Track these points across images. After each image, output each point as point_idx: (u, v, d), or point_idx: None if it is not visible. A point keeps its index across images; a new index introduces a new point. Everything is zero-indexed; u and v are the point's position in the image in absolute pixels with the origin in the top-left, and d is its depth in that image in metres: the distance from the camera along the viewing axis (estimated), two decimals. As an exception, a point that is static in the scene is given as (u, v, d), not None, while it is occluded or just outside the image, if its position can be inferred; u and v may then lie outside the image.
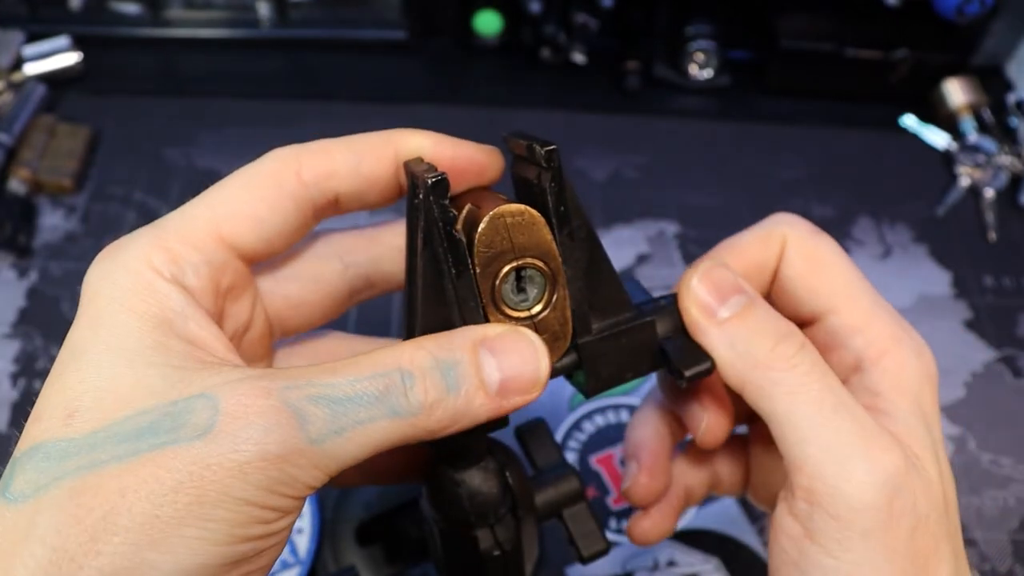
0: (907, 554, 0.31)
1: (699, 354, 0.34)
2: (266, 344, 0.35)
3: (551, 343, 0.32)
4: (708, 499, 0.61)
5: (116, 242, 0.30)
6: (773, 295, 0.38)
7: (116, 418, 0.26)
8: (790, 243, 0.37)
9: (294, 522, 0.28)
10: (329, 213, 0.34)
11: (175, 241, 0.30)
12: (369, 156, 0.33)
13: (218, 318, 0.32)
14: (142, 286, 0.29)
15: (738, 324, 0.33)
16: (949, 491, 0.33)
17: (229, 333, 0.33)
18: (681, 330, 0.35)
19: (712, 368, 0.34)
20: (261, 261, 0.34)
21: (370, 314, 0.68)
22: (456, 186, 0.33)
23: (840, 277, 0.36)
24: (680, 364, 0.34)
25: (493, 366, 0.29)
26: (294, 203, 0.32)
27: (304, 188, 0.32)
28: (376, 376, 0.27)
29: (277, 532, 0.27)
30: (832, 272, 0.36)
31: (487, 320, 0.31)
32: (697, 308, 0.34)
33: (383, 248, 0.37)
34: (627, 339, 0.33)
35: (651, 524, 0.41)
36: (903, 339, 0.35)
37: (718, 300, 0.34)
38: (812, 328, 0.36)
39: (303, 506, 0.28)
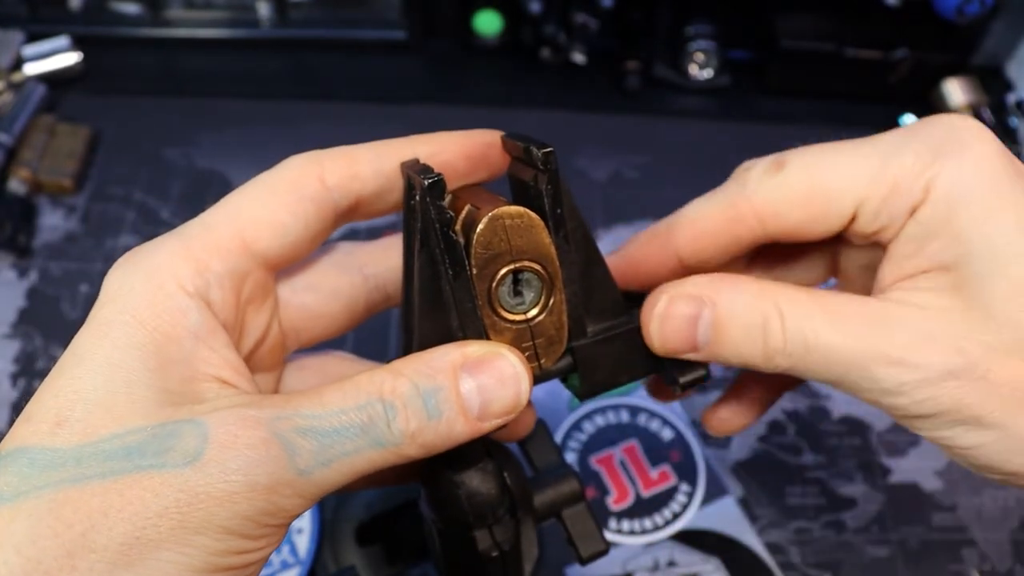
0: (1002, 393, 0.29)
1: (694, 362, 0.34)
2: (278, 355, 0.35)
3: (546, 347, 0.32)
4: (708, 499, 0.61)
5: (141, 247, 0.30)
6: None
7: (103, 434, 0.26)
8: (758, 213, 0.34)
9: (269, 555, 0.28)
10: (350, 218, 0.34)
11: (200, 250, 0.30)
12: (392, 159, 0.33)
13: (238, 331, 0.32)
14: (160, 299, 0.28)
15: (722, 349, 0.32)
16: None
17: (248, 346, 0.33)
18: None
19: (707, 375, 0.34)
20: (283, 268, 0.34)
21: (369, 325, 0.68)
22: (476, 174, 0.34)
23: (831, 184, 0.32)
24: (675, 370, 0.34)
25: (473, 390, 0.29)
26: (316, 207, 0.32)
27: (327, 192, 0.32)
28: (360, 407, 0.27)
29: (252, 563, 0.27)
30: (822, 189, 0.32)
31: (483, 323, 0.31)
32: (681, 352, 0.33)
33: (399, 259, 0.37)
34: (622, 342, 0.33)
35: (730, 414, 0.40)
36: (937, 157, 0.30)
37: (688, 340, 0.32)
38: (848, 247, 0.34)
39: (281, 539, 0.28)
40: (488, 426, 0.29)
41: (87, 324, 0.28)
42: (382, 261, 0.37)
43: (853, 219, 0.32)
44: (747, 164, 0.35)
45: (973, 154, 0.30)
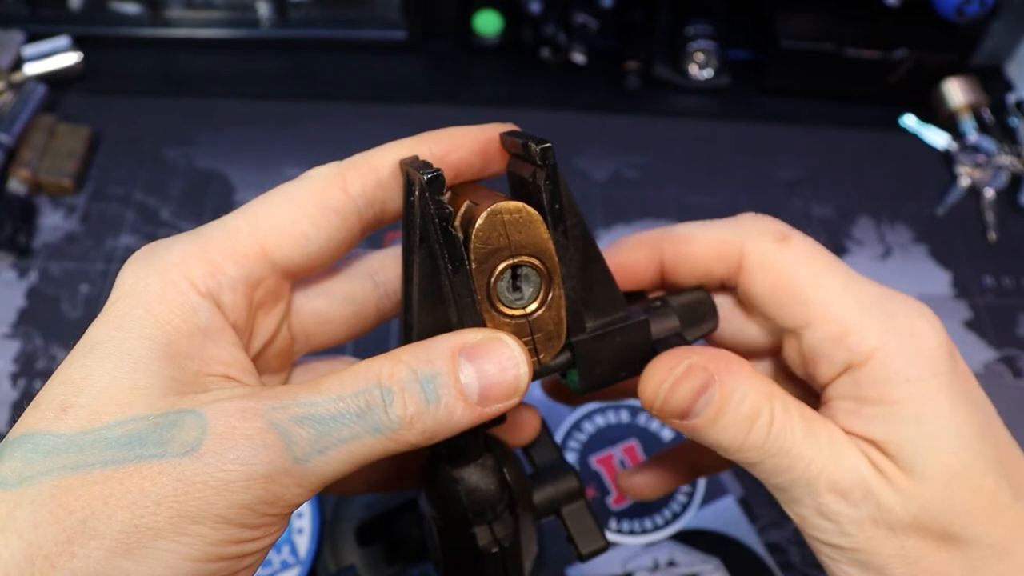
0: (905, 556, 0.32)
1: None
2: (286, 358, 0.35)
3: (545, 342, 0.32)
4: (708, 499, 0.61)
5: (157, 243, 0.31)
6: (741, 306, 0.37)
7: (106, 421, 0.26)
8: (748, 259, 0.35)
9: (269, 547, 0.28)
10: (376, 225, 0.34)
11: (217, 253, 0.30)
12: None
13: (248, 333, 0.32)
14: (173, 295, 0.29)
15: (708, 428, 0.33)
16: (969, 478, 0.31)
17: (256, 347, 0.33)
18: (675, 330, 0.35)
19: None
20: (304, 276, 0.34)
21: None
22: (490, 169, 0.34)
23: (808, 288, 0.34)
24: None
25: (472, 374, 0.28)
26: (340, 218, 0.32)
27: (351, 202, 0.32)
28: (357, 394, 0.27)
29: (251, 554, 0.27)
30: (798, 285, 0.34)
31: (482, 318, 0.31)
32: (668, 419, 0.34)
33: None
34: (621, 338, 0.33)
35: (646, 481, 0.42)
36: (889, 329, 0.33)
37: (686, 409, 0.33)
38: (793, 338, 0.35)
39: (281, 531, 0.28)
40: (489, 412, 0.29)
41: (100, 316, 0.29)
42: (393, 268, 0.37)
43: (798, 332, 0.34)
44: (755, 216, 0.36)
45: (921, 340, 0.32)
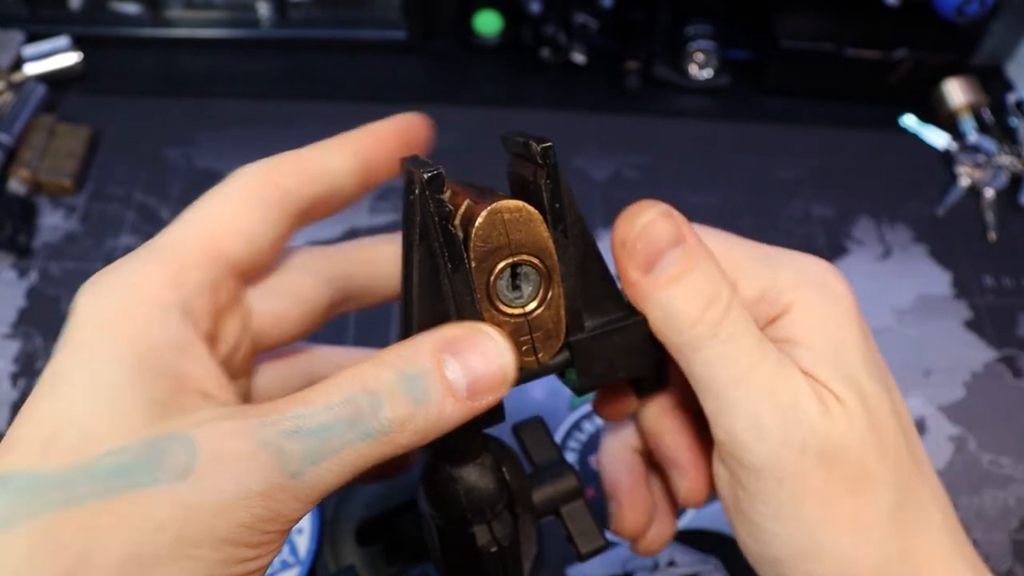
0: (824, 493, 0.31)
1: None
2: (248, 361, 0.35)
3: (544, 341, 0.32)
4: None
5: (110, 265, 0.30)
6: None
7: (93, 453, 0.25)
8: None
9: (270, 562, 0.28)
10: (305, 220, 0.34)
11: (173, 263, 0.29)
12: (337, 156, 0.34)
13: (214, 341, 0.31)
14: (139, 314, 0.28)
15: (670, 287, 0.32)
16: (882, 418, 0.32)
17: (222, 354, 0.32)
18: None
19: None
20: (252, 275, 0.33)
21: (370, 320, 0.68)
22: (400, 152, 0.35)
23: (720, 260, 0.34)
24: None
25: (458, 369, 0.28)
26: (277, 213, 0.32)
27: (286, 196, 0.32)
28: (345, 402, 0.27)
29: (254, 571, 0.27)
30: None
31: (482, 316, 0.31)
32: (632, 267, 0.33)
33: (360, 262, 0.37)
34: (619, 337, 0.33)
35: (652, 535, 0.41)
36: (801, 284, 0.34)
37: (654, 257, 0.32)
38: None
39: (281, 547, 0.28)
40: (479, 405, 0.28)
41: (62, 347, 0.28)
42: (343, 264, 0.37)
43: None
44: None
45: (832, 289, 0.34)
